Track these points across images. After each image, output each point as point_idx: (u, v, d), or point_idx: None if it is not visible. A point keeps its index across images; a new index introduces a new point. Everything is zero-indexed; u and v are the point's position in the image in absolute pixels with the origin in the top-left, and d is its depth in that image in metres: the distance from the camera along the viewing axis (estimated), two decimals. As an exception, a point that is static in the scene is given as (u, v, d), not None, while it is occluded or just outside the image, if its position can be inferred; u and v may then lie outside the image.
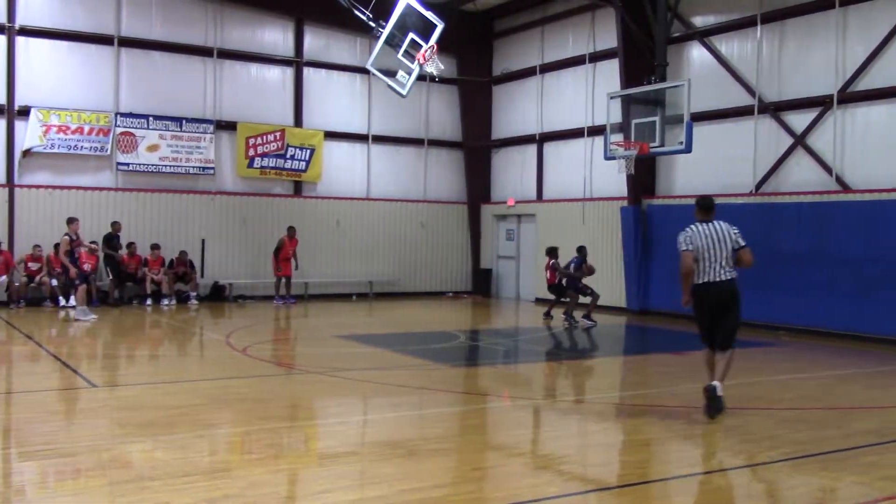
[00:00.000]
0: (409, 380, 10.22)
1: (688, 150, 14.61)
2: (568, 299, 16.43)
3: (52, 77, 18.82)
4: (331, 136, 21.95)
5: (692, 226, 8.34)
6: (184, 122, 20.03)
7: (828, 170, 15.55)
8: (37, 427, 7.58)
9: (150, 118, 19.65)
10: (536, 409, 9.08)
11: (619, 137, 16.10)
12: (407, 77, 14.51)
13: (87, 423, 7.83)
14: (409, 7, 14.11)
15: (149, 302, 18.64)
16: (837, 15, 15.42)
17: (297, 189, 21.76)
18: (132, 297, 18.95)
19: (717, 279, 8.18)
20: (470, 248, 24.03)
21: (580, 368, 12.48)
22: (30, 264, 18.01)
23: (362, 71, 20.29)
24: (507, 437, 7.69)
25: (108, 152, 19.25)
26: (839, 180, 15.35)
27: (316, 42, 21.91)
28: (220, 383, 9.81)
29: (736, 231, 8.26)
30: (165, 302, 18.81)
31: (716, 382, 8.18)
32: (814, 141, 15.89)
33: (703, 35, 17.83)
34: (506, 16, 23.17)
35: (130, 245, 18.88)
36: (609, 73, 19.55)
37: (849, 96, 15.28)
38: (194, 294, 19.37)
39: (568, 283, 16.58)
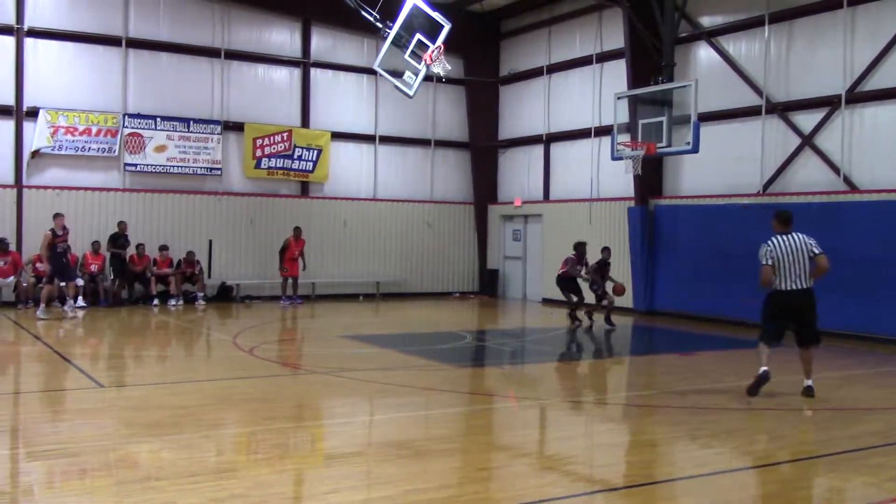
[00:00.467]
0: (415, 380, 10.22)
1: (695, 150, 14.59)
2: (574, 297, 16.27)
3: (59, 78, 18.89)
4: (338, 136, 21.97)
5: (772, 238, 9.11)
6: (191, 122, 20.07)
7: (836, 170, 15.49)
8: (44, 427, 7.61)
9: (158, 119, 19.71)
10: (542, 410, 9.07)
11: (626, 138, 16.07)
12: (414, 77, 14.50)
13: (94, 423, 7.85)
14: (415, 8, 14.10)
15: (155, 302, 18.67)
16: (845, 15, 15.37)
17: (305, 190, 21.79)
18: (139, 297, 19.00)
19: (797, 288, 9.00)
20: (477, 248, 24.02)
21: (586, 369, 12.46)
22: (38, 265, 18.04)
23: (369, 71, 20.30)
24: (513, 438, 7.69)
25: (116, 153, 19.31)
26: (847, 181, 15.30)
27: (323, 43, 21.94)
28: (226, 383, 9.83)
29: (812, 241, 9.06)
30: (173, 302, 18.86)
31: (809, 382, 9.30)
32: (821, 141, 15.84)
33: (711, 35, 17.79)
34: (513, 16, 23.15)
35: (139, 246, 18.95)
36: (616, 74, 19.52)
37: (857, 96, 15.22)
38: (201, 294, 19.41)
39: (591, 284, 16.29)
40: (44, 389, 9.62)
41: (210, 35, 20.45)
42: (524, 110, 23.04)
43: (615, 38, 19.54)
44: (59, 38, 18.89)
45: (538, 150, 22.50)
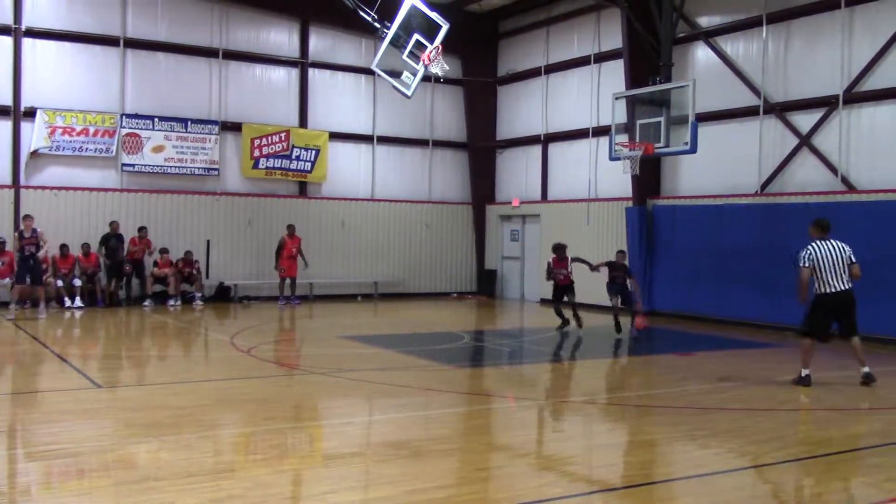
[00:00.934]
0: (413, 380, 10.21)
1: (693, 150, 14.60)
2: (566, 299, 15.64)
3: (57, 78, 18.86)
4: (336, 136, 21.96)
5: (812, 244, 9.92)
6: (189, 122, 20.06)
7: (833, 170, 15.50)
8: (42, 427, 7.60)
9: (156, 119, 19.69)
10: (541, 410, 9.07)
11: (624, 138, 16.07)
12: (412, 78, 14.49)
13: (93, 423, 7.84)
14: (413, 8, 14.09)
15: (146, 303, 18.56)
16: (843, 15, 15.38)
17: (303, 190, 21.78)
18: (137, 297, 18.96)
19: (840, 289, 9.84)
20: (475, 248, 24.02)
21: (585, 369, 12.46)
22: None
23: (367, 72, 20.28)
24: (512, 438, 7.68)
25: (114, 153, 19.28)
26: (845, 181, 15.31)
27: (321, 43, 21.93)
28: (224, 384, 9.82)
29: (849, 249, 9.92)
30: (171, 303, 18.84)
31: (866, 369, 10.10)
32: (819, 141, 15.85)
33: (709, 35, 17.80)
34: (511, 16, 23.16)
35: (142, 229, 18.81)
36: (614, 74, 19.53)
37: (855, 96, 15.23)
38: (199, 295, 19.39)
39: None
40: (41, 390, 9.60)
41: (208, 35, 20.43)
42: (522, 110, 23.04)
43: (613, 38, 19.55)
44: (56, 38, 18.86)
45: (536, 150, 22.51)
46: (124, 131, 19.34)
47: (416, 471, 6.29)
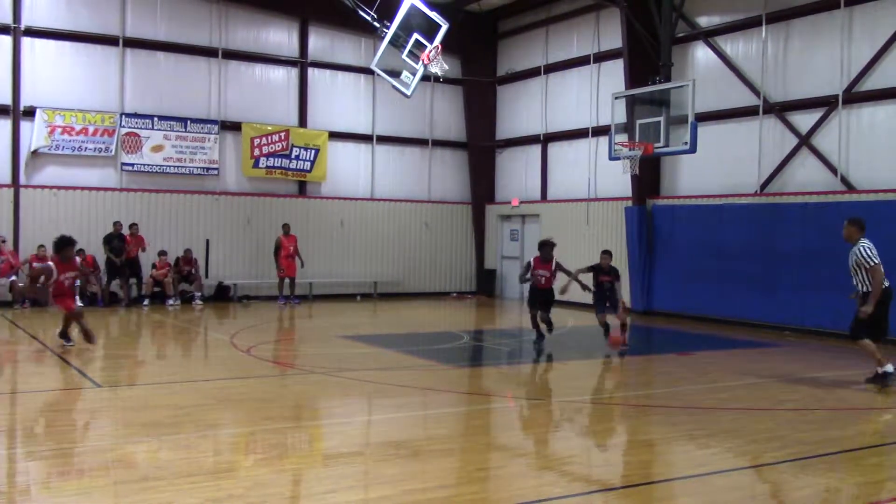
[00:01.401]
0: (413, 380, 10.21)
1: (692, 150, 14.60)
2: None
3: (57, 78, 18.85)
4: (335, 136, 21.96)
5: (865, 242, 9.87)
6: (188, 122, 20.05)
7: (833, 170, 15.51)
8: (41, 427, 7.59)
9: (155, 118, 19.69)
10: (540, 410, 9.07)
11: (623, 138, 16.07)
12: (411, 77, 14.49)
13: (92, 422, 7.84)
14: (413, 7, 14.09)
15: (145, 303, 18.56)
16: (843, 15, 15.38)
17: (302, 189, 21.77)
18: (136, 297, 18.94)
19: (890, 284, 9.87)
20: (474, 248, 24.02)
21: (584, 369, 12.45)
22: (35, 265, 17.97)
23: (367, 71, 20.27)
24: (512, 438, 7.69)
25: (113, 153, 19.28)
26: (844, 180, 15.31)
27: (321, 42, 21.93)
28: (224, 383, 9.82)
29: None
30: (170, 302, 18.83)
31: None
32: (819, 141, 15.85)
33: (708, 35, 17.80)
34: (510, 16, 23.16)
35: (133, 226, 18.63)
36: (614, 74, 19.53)
37: (854, 96, 15.24)
38: (199, 294, 19.39)
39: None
40: (41, 389, 9.59)
41: (207, 34, 20.43)
42: (522, 110, 23.04)
43: (613, 37, 19.55)
44: (56, 37, 18.86)
45: (536, 150, 22.51)
46: (124, 131, 19.33)
47: (415, 470, 6.30)
